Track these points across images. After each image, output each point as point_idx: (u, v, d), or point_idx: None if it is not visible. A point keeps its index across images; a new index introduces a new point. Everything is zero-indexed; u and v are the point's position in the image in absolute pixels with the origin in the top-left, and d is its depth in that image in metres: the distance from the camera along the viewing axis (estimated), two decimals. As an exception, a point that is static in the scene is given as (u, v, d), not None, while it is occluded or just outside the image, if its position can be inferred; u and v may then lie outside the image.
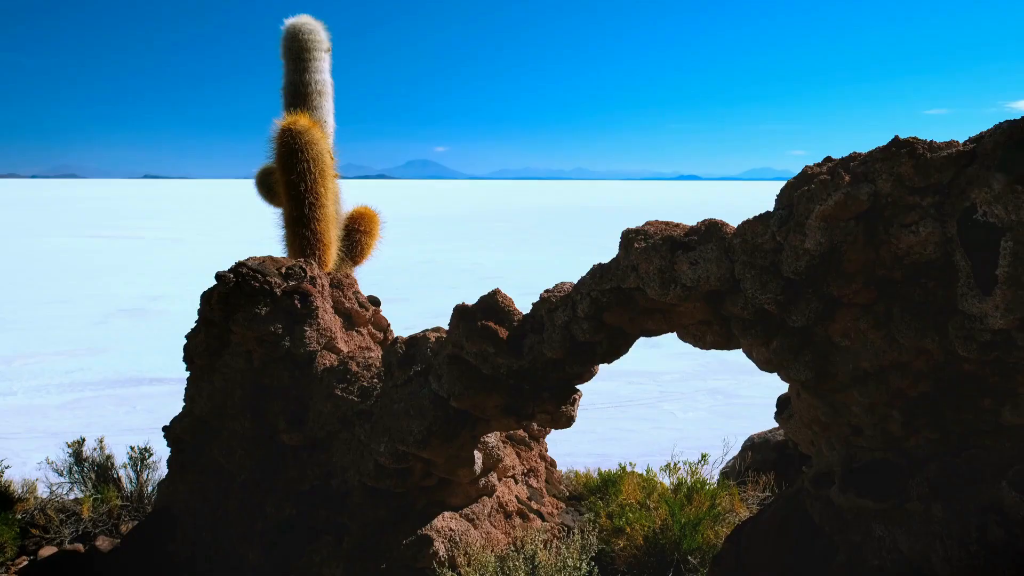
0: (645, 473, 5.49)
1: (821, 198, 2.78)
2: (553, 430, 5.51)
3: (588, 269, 3.58)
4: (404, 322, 5.61)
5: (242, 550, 4.20)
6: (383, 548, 4.04)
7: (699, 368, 18.59)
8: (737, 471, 6.57)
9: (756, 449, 6.78)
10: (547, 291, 3.72)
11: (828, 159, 3.06)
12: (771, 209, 3.13)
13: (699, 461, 5.30)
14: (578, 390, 3.94)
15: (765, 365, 3.18)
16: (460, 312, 3.73)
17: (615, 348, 3.62)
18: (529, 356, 3.59)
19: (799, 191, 2.93)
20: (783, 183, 3.14)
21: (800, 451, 5.76)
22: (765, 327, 3.07)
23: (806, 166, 3.06)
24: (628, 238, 3.39)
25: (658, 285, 3.18)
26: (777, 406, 3.99)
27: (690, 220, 3.61)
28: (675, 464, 5.27)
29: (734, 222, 3.31)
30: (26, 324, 27.50)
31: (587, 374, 3.79)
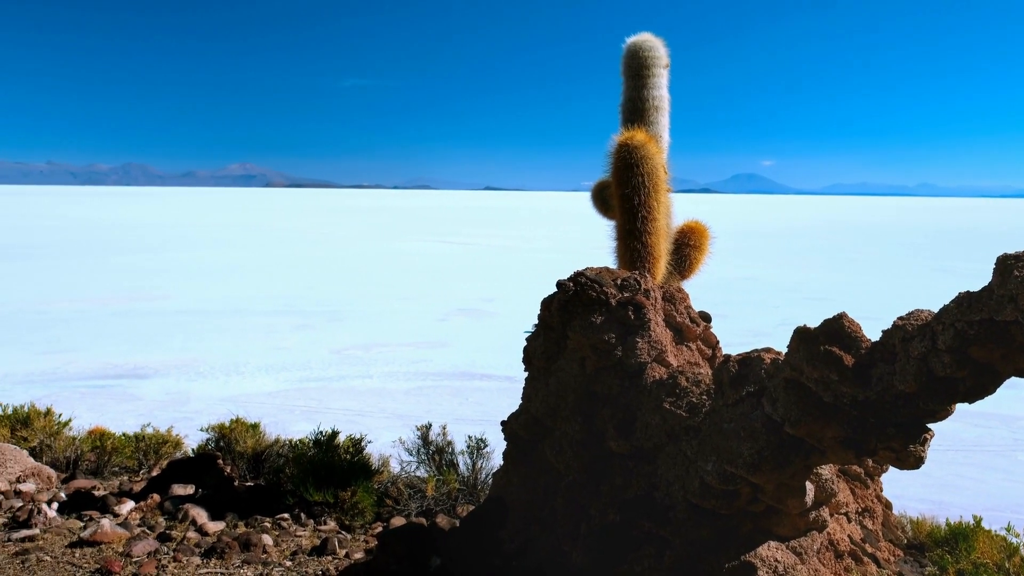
0: (1006, 531, 4.82)
1: None
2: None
3: (936, 294, 3.24)
4: (722, 339, 5.51)
5: (567, 547, 4.39)
6: (704, 568, 3.98)
7: (1067, 416, 16.02)
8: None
9: None
10: (901, 318, 3.42)
11: None
12: None
13: (1078, 527, 4.54)
14: (930, 429, 3.58)
15: None
16: (801, 335, 3.57)
17: (980, 386, 3.22)
18: (877, 387, 3.33)
19: None
20: None
21: None
22: None
23: None
24: (1006, 265, 3.01)
25: (1044, 320, 2.78)
26: None
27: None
28: (1045, 526, 4.57)
29: None
30: (382, 317, 31.27)
31: (943, 412, 3.42)
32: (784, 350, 4.10)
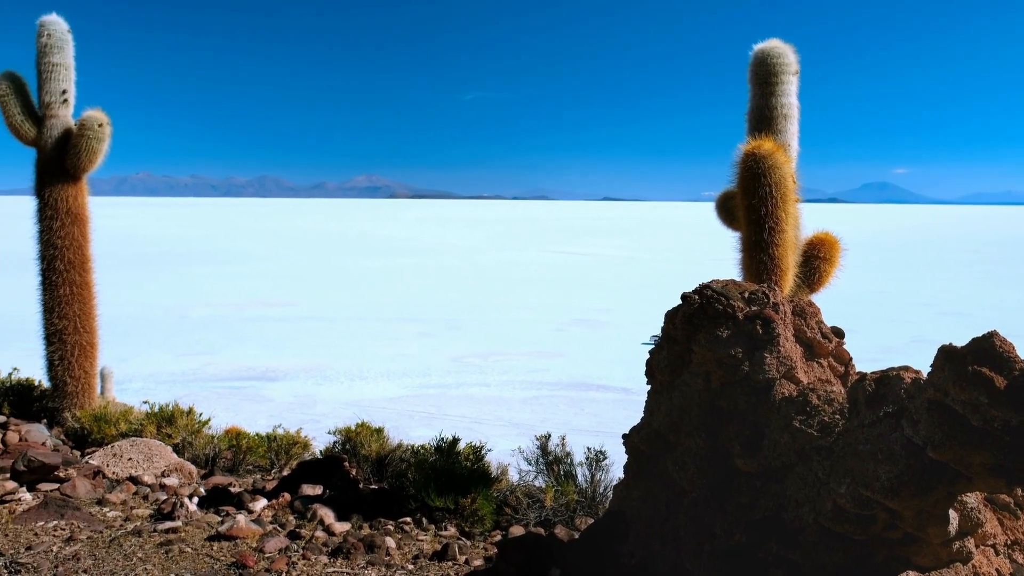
0: None
1: None
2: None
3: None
4: (852, 355, 5.26)
5: (690, 566, 4.29)
6: (836, 595, 3.81)
7: None
8: None
9: None
10: (1061, 338, 3.18)
11: None
12: None
13: None
14: (1092, 459, 3.30)
15: None
16: (947, 354, 3.37)
17: None
18: (1032, 412, 3.10)
19: None
20: None
21: None
22: None
23: None
24: None
25: None
26: None
27: None
28: None
29: None
30: (500, 326, 31.60)
31: (1109, 441, 3.15)
32: (920, 368, 3.89)
